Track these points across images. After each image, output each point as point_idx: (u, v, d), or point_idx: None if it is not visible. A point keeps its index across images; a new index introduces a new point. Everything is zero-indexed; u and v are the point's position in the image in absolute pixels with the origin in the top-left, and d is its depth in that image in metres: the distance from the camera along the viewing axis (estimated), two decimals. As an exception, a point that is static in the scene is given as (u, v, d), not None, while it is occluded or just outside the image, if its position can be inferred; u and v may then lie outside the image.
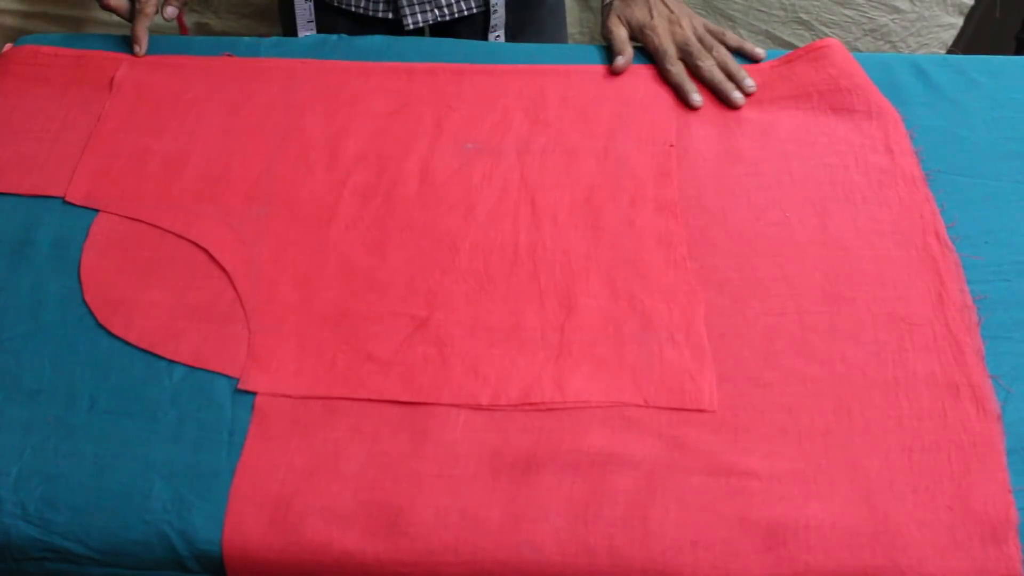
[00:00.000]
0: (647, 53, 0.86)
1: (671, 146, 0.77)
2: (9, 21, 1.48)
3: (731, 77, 0.82)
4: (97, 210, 0.73)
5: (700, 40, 0.85)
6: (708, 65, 0.83)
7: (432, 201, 0.73)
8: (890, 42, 1.41)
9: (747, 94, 0.81)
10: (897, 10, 1.37)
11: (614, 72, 0.84)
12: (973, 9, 1.41)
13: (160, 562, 0.56)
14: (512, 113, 0.80)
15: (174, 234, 0.71)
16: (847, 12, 1.38)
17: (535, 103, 0.81)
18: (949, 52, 1.43)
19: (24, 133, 0.79)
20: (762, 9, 1.38)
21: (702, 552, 0.55)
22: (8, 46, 0.89)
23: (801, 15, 1.38)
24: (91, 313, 0.67)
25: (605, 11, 0.89)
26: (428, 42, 0.88)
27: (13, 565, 0.58)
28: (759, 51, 0.85)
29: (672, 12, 0.87)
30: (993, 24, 1.52)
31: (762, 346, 0.64)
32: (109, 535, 0.57)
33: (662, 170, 0.75)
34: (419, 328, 0.65)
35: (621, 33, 0.87)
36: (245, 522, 0.56)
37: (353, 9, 1.01)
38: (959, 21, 1.39)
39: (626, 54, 0.85)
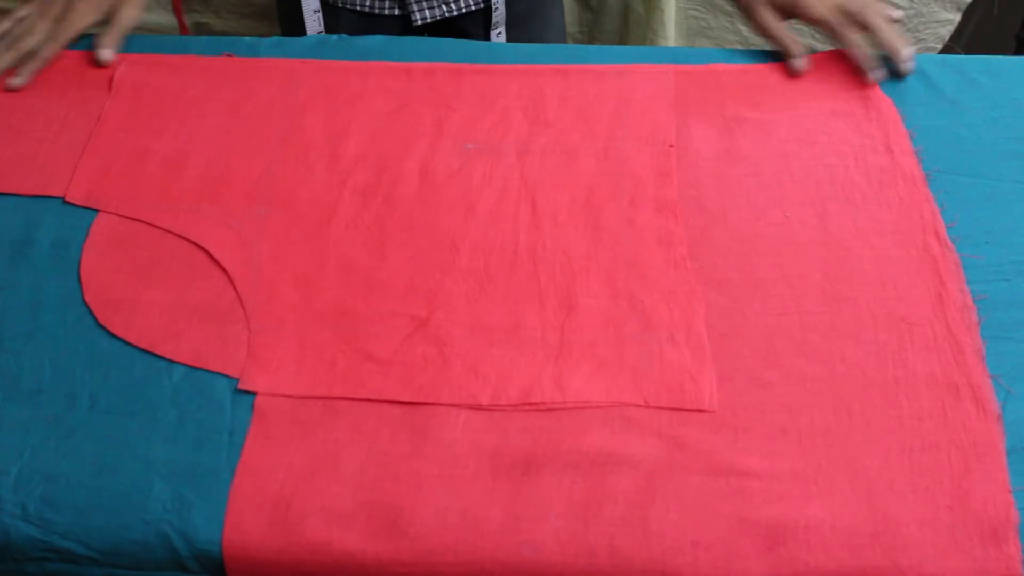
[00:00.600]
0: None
1: (671, 146, 0.77)
2: (9, 21, 1.48)
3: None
4: (97, 210, 0.73)
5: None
6: (877, 23, 0.80)
7: (432, 201, 0.73)
8: (888, 37, 1.41)
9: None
10: (895, 6, 1.37)
11: (796, 74, 0.81)
12: (973, 8, 1.41)
13: (160, 562, 0.56)
14: (511, 113, 0.80)
15: (174, 234, 0.71)
16: (846, 9, 1.38)
17: (534, 103, 0.81)
18: (946, 47, 1.44)
19: (24, 133, 0.79)
20: (762, 5, 1.38)
21: (702, 552, 0.55)
22: (8, 46, 0.88)
23: None
24: (91, 313, 0.67)
25: (746, 5, 0.84)
26: (428, 42, 0.88)
27: (13, 565, 0.58)
28: (897, 12, 0.82)
29: None
30: (993, 24, 1.52)
31: (762, 346, 0.64)
32: (109, 535, 0.57)
33: (662, 170, 0.75)
34: (419, 328, 0.65)
35: (778, 26, 0.82)
36: (245, 522, 0.56)
37: (359, 8, 1.00)
38: (956, 17, 1.40)
39: (800, 51, 0.81)
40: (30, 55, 0.81)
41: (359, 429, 0.60)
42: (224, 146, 0.78)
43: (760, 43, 0.86)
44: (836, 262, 0.68)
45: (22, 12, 0.84)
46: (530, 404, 0.61)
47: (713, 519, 0.56)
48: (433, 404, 0.61)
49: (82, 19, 0.83)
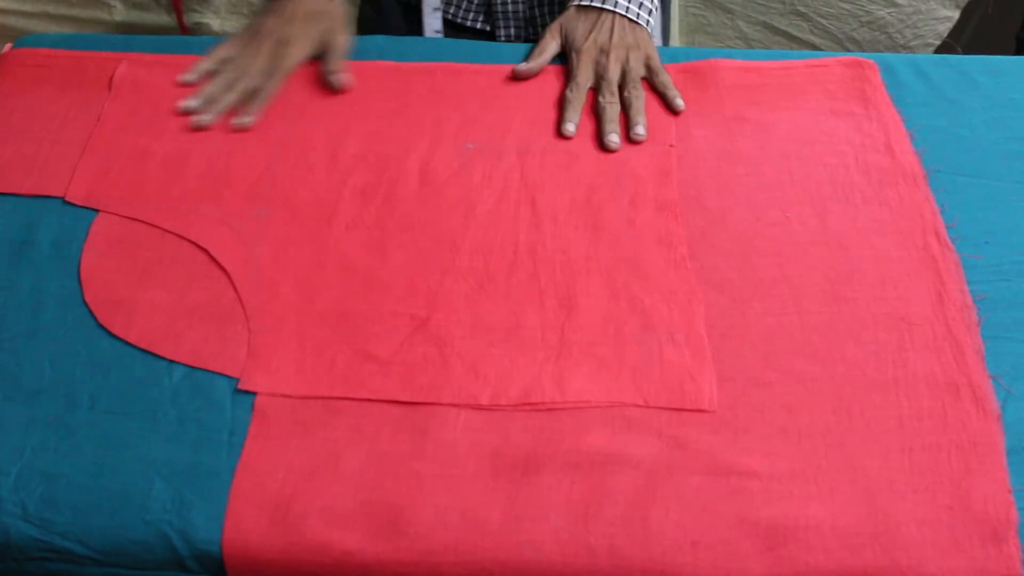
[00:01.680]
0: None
1: (671, 146, 0.77)
2: (9, 21, 1.48)
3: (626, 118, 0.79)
4: (97, 210, 0.73)
5: (625, 74, 0.81)
6: (608, 101, 0.79)
7: (432, 201, 0.73)
8: (887, 34, 1.41)
9: (632, 141, 0.77)
10: (894, 3, 1.37)
11: (516, 75, 0.82)
12: (973, 8, 1.41)
13: (160, 562, 0.56)
14: (511, 113, 0.80)
15: (174, 234, 0.71)
16: (844, 5, 1.38)
17: (534, 103, 0.81)
18: (944, 43, 1.44)
19: (24, 133, 0.79)
20: (760, 1, 1.39)
21: (702, 552, 0.55)
22: (8, 47, 0.89)
23: (799, 7, 1.38)
24: (91, 313, 0.67)
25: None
26: (428, 42, 0.88)
27: (13, 565, 0.58)
28: (679, 102, 0.80)
29: (610, 40, 0.82)
30: (993, 24, 1.52)
31: (762, 346, 0.64)
32: (109, 535, 0.57)
33: (662, 170, 0.75)
34: (419, 328, 0.65)
35: (549, 41, 0.83)
36: (245, 522, 0.56)
37: (450, 17, 1.00)
38: (955, 14, 1.40)
39: (534, 62, 0.82)
40: (253, 94, 0.80)
41: (359, 429, 0.60)
42: (224, 146, 0.78)
43: (760, 42, 0.86)
44: (836, 262, 0.68)
45: (225, 53, 0.83)
46: (530, 404, 0.61)
47: (713, 519, 0.56)
48: (433, 404, 0.61)
49: (299, 53, 0.83)
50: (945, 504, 0.56)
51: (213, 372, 0.63)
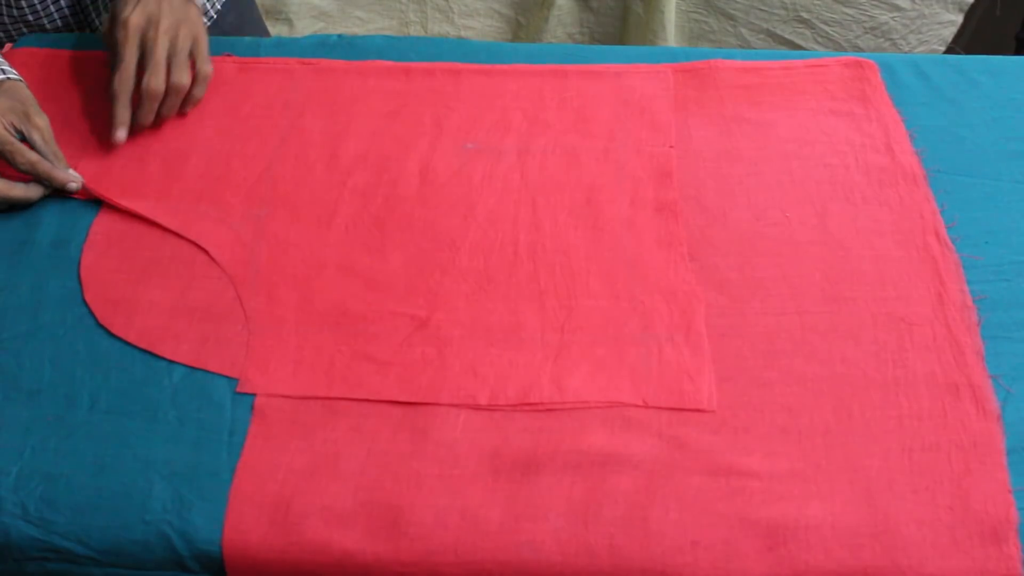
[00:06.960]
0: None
1: (671, 147, 0.77)
2: (9, 21, 1.48)
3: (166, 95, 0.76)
4: (97, 210, 0.73)
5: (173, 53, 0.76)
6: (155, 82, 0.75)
7: (432, 201, 0.73)
8: (891, 40, 1.41)
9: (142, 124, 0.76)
10: (897, 8, 1.37)
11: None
12: (974, 8, 1.41)
13: (160, 562, 0.56)
14: (511, 113, 0.80)
15: (174, 234, 0.71)
16: (847, 10, 1.38)
17: (534, 103, 0.81)
18: (949, 48, 1.44)
19: (24, 133, 0.79)
20: (763, 8, 1.38)
21: (702, 552, 0.55)
22: (8, 47, 0.89)
23: (802, 13, 1.38)
24: (91, 313, 0.67)
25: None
26: (428, 41, 0.88)
27: (13, 565, 0.58)
28: (186, 108, 0.79)
29: (159, 11, 0.76)
30: (993, 24, 1.52)
31: (762, 346, 0.64)
32: (109, 535, 0.57)
33: (662, 170, 0.75)
34: (419, 328, 0.65)
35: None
36: (245, 522, 0.56)
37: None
38: (959, 18, 1.40)
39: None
40: None
41: (359, 429, 0.60)
42: (224, 146, 0.78)
43: (761, 45, 0.86)
44: (836, 262, 0.68)
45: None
46: (528, 404, 0.61)
47: (713, 519, 0.56)
48: (432, 404, 0.61)
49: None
50: (945, 504, 0.56)
51: (213, 372, 0.63)
